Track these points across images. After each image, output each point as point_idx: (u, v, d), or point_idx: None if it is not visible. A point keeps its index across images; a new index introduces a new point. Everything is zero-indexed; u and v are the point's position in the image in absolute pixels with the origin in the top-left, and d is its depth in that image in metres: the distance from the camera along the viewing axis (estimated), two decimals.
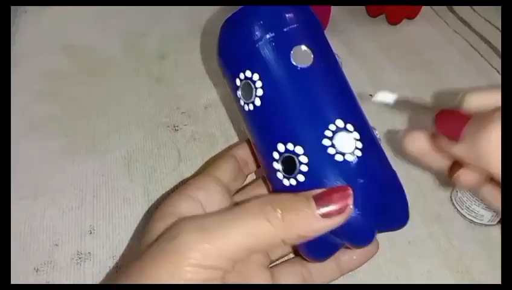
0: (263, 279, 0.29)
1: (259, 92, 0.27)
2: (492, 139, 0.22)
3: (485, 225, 0.39)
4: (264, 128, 0.28)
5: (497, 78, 0.53)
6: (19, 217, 0.38)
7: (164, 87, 0.51)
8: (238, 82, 0.29)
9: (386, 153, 0.29)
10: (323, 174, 0.26)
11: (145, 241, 0.26)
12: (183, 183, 0.31)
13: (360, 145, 0.26)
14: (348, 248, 0.28)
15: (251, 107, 0.28)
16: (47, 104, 0.49)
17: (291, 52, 0.27)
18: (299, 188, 0.26)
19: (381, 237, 0.29)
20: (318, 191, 0.25)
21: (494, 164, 0.22)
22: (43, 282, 0.35)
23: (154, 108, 0.49)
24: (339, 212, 0.24)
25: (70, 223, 0.39)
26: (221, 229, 0.23)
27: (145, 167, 0.43)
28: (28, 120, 0.47)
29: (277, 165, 0.27)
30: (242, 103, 0.29)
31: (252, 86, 0.28)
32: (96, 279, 0.35)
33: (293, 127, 0.27)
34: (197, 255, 0.22)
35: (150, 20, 0.60)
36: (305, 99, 0.27)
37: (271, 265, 0.31)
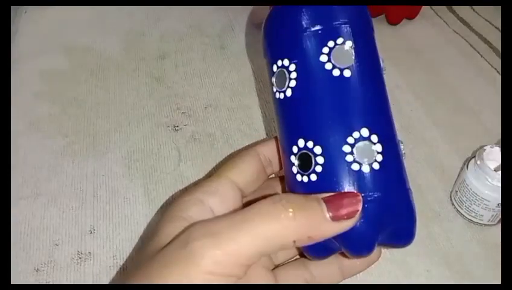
0: (267, 282, 0.28)
1: (292, 83, 0.27)
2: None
3: (485, 224, 0.39)
4: (289, 120, 0.28)
5: (497, 78, 0.53)
6: (19, 217, 0.38)
7: (164, 87, 0.51)
8: (274, 68, 0.28)
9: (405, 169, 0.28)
10: (336, 178, 0.26)
11: (153, 243, 0.25)
12: (194, 185, 0.31)
13: (380, 158, 0.26)
14: (344, 256, 0.28)
15: (281, 96, 0.28)
16: (47, 104, 0.49)
17: (333, 49, 0.26)
18: (310, 186, 0.26)
19: None
20: (328, 194, 0.25)
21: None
22: (43, 282, 0.35)
23: (154, 108, 0.49)
24: (348, 217, 0.24)
25: (70, 223, 0.39)
26: (232, 234, 0.22)
27: (145, 167, 0.43)
28: (28, 120, 0.47)
29: (294, 159, 0.27)
30: (274, 89, 0.28)
31: (287, 75, 0.27)
32: (96, 279, 0.35)
33: (316, 125, 0.26)
34: (209, 263, 0.22)
35: (150, 20, 0.60)
36: (335, 100, 0.26)
37: (274, 268, 0.31)
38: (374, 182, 0.26)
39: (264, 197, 0.30)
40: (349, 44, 0.27)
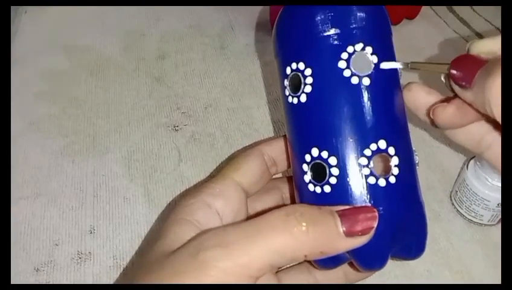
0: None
1: (308, 89, 0.26)
2: (495, 84, 0.21)
3: (485, 224, 0.39)
4: (303, 127, 0.26)
5: None
6: (19, 217, 0.38)
7: (164, 87, 0.51)
8: (288, 70, 0.27)
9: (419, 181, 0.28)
10: (351, 192, 0.25)
11: (161, 246, 0.25)
12: (200, 185, 0.30)
13: (396, 171, 0.25)
14: (352, 266, 0.28)
15: (295, 100, 0.26)
16: (47, 104, 0.49)
17: (352, 56, 0.25)
18: (324, 198, 0.25)
19: None
20: (343, 207, 0.24)
21: (496, 108, 0.21)
22: (43, 282, 0.35)
23: (154, 108, 0.49)
24: (363, 233, 0.24)
25: (70, 223, 0.39)
26: (243, 246, 0.22)
27: (145, 167, 0.43)
28: (28, 120, 0.47)
29: (306, 168, 0.26)
30: (287, 93, 0.27)
31: (302, 79, 0.26)
32: (96, 279, 0.35)
33: (332, 135, 0.25)
34: (220, 274, 0.22)
35: (150, 20, 0.60)
36: (353, 109, 0.25)
37: (277, 272, 0.30)
38: (389, 196, 0.25)
39: (270, 195, 0.30)
40: (369, 50, 0.25)
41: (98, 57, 0.55)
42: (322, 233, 0.23)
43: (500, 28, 0.59)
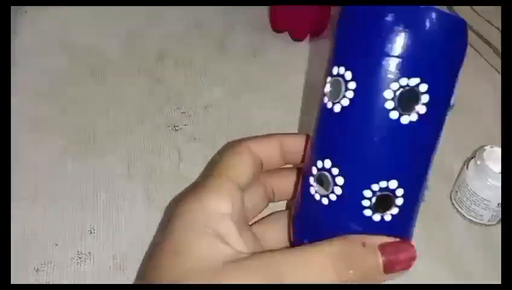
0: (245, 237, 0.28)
1: (345, 102, 0.24)
2: None
3: (485, 224, 0.39)
4: (327, 133, 0.26)
5: (497, 78, 0.53)
6: (19, 217, 0.38)
7: (164, 87, 0.51)
8: (334, 71, 0.25)
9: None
10: (344, 221, 0.25)
11: (186, 260, 0.24)
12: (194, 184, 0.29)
13: (395, 211, 0.25)
14: None
15: (336, 108, 0.25)
16: (47, 104, 0.49)
17: (401, 90, 0.23)
18: (325, 207, 0.26)
19: None
20: (385, 240, 0.25)
21: None
22: (43, 282, 0.35)
23: (154, 108, 0.49)
24: (403, 270, 0.25)
25: (70, 224, 0.39)
26: (295, 282, 0.23)
27: (145, 167, 0.43)
28: (28, 120, 0.47)
29: (312, 181, 0.26)
30: (326, 92, 0.26)
31: (343, 89, 0.24)
32: (96, 279, 0.35)
33: (345, 156, 0.25)
34: None
35: (150, 20, 0.60)
36: (378, 141, 0.24)
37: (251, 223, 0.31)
38: (380, 232, 0.25)
39: (255, 190, 0.32)
40: (423, 88, 0.23)
41: (98, 57, 0.55)
42: (364, 273, 0.24)
43: (500, 28, 0.59)
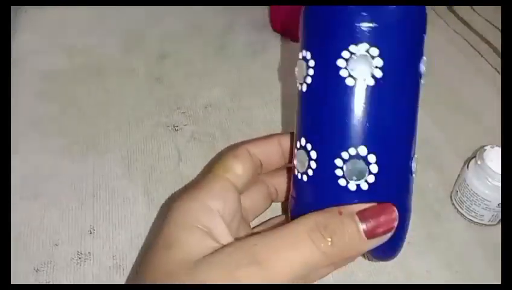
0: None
1: (308, 80, 0.27)
2: None
3: (485, 225, 0.39)
4: (300, 113, 0.28)
5: (497, 78, 0.53)
6: (19, 217, 0.38)
7: (164, 87, 0.51)
8: (300, 55, 0.28)
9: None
10: (321, 194, 0.26)
11: (175, 254, 0.25)
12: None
13: (372, 179, 0.25)
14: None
15: (299, 87, 0.28)
16: (47, 104, 0.49)
17: (353, 56, 0.24)
18: (305, 183, 0.27)
19: None
20: (362, 207, 0.25)
21: None
22: (43, 282, 0.35)
23: (154, 108, 0.48)
24: (385, 233, 0.25)
25: (70, 223, 0.39)
26: (275, 262, 0.23)
27: (145, 167, 0.43)
28: (28, 120, 0.47)
29: (296, 162, 0.28)
30: (296, 76, 0.28)
31: (305, 69, 0.27)
32: (96, 279, 0.35)
33: (316, 130, 0.26)
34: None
35: (150, 20, 0.60)
36: (341, 111, 0.25)
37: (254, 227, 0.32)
38: (352, 201, 0.25)
39: (257, 190, 0.32)
40: (374, 52, 0.24)
41: (98, 57, 0.55)
42: (345, 242, 0.24)
43: (500, 28, 0.59)
